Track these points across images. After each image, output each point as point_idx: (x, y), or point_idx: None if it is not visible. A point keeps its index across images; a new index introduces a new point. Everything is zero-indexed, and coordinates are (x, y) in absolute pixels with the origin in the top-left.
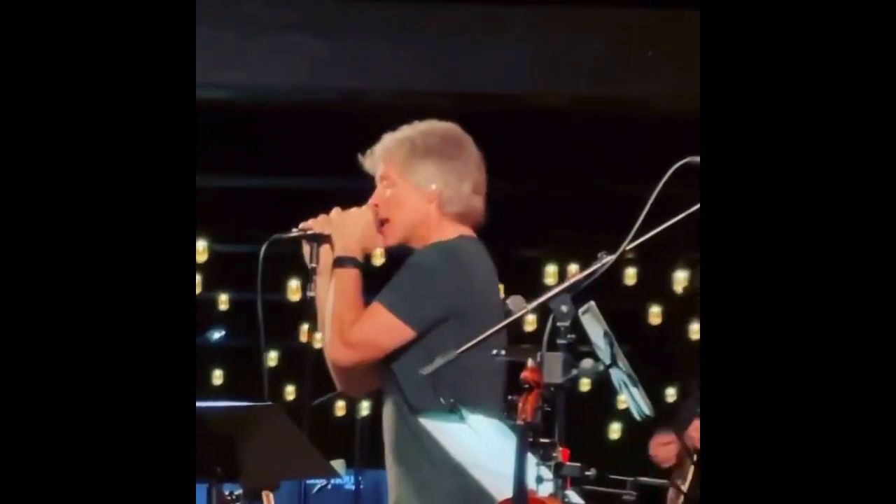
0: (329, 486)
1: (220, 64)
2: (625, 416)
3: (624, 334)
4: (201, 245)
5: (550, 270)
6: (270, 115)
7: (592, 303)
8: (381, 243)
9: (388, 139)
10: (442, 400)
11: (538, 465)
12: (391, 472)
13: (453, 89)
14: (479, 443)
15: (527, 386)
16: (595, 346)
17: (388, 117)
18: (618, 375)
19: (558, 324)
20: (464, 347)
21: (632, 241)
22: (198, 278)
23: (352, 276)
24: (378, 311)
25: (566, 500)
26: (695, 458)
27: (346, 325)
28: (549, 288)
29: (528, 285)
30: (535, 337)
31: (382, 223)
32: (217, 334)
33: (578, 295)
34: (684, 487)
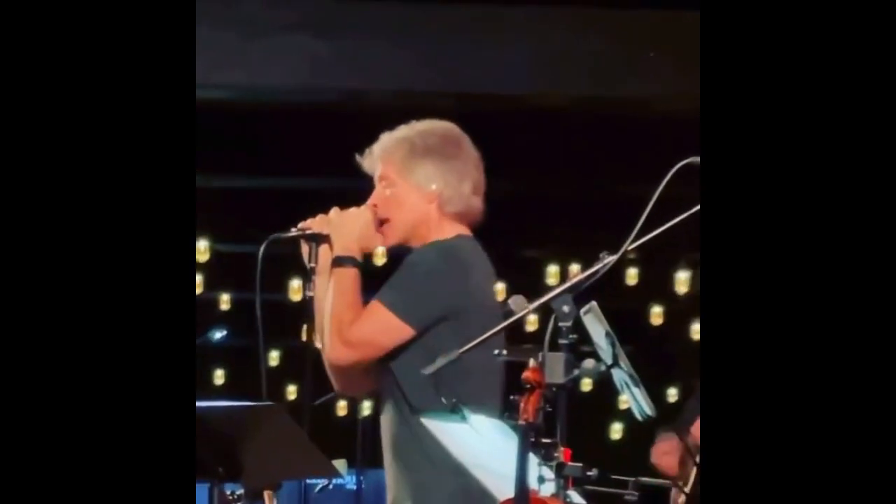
0: (330, 486)
1: (220, 64)
2: (626, 416)
3: (625, 334)
4: (203, 245)
5: (552, 271)
6: (270, 115)
7: (594, 303)
8: (381, 243)
9: (387, 139)
10: (444, 400)
11: (540, 465)
12: (389, 471)
13: (453, 89)
14: (481, 443)
15: (529, 386)
16: (597, 347)
17: (388, 117)
18: (619, 375)
19: (560, 324)
20: (466, 347)
21: (633, 241)
22: (199, 278)
23: (351, 275)
24: (377, 309)
25: (568, 500)
26: (697, 457)
27: (346, 325)
28: (550, 288)
29: (530, 285)
30: (537, 337)
31: (382, 223)
32: (218, 334)
33: (580, 295)
34: (686, 488)
